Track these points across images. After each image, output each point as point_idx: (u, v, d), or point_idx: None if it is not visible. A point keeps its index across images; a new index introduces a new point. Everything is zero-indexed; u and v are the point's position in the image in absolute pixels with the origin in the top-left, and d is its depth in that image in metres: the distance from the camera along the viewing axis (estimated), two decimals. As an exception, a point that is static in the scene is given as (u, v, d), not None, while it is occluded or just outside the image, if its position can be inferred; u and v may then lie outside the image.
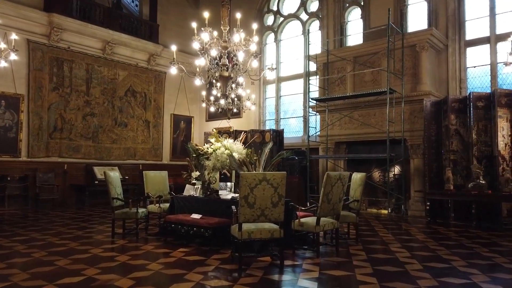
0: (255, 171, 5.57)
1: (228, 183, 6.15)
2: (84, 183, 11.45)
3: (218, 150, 5.79)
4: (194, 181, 6.38)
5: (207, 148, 6.04)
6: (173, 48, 6.13)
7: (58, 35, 11.33)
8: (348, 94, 9.50)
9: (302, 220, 4.87)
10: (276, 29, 13.51)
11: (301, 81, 12.81)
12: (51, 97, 11.25)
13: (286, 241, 4.58)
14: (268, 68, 6.29)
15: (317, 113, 10.89)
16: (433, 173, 8.81)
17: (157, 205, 6.70)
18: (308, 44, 10.29)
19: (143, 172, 7.24)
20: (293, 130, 12.99)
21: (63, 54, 11.53)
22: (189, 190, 6.31)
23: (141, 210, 6.22)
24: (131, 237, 6.12)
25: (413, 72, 9.51)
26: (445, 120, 8.62)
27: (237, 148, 5.91)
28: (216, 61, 5.98)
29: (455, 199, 8.05)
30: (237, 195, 5.78)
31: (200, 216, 5.48)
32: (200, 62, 6.37)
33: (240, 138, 6.21)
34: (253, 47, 6.04)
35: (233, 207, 4.60)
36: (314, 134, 10.61)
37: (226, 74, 6.08)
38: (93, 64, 12.21)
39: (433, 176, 8.79)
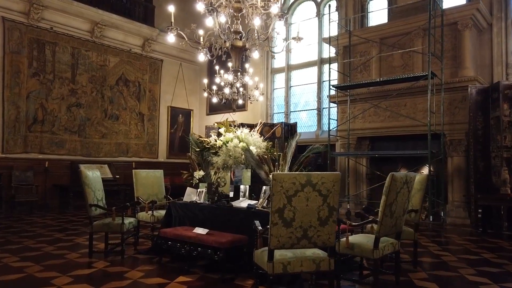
0: (279, 170, 4.16)
1: (242, 186, 4.72)
2: (69, 183, 9.99)
3: (230, 142, 4.36)
4: (197, 182, 4.96)
5: (215, 141, 4.61)
6: (171, 9, 4.66)
7: (39, 13, 9.86)
8: (378, 80, 8.06)
9: (352, 240, 3.45)
10: (286, 12, 12.06)
11: (314, 70, 11.39)
12: (30, 84, 9.78)
13: (335, 273, 3.15)
14: (293, 38, 4.85)
15: (337, 104, 9.45)
16: (479, 173, 7.42)
17: (150, 213, 5.28)
18: (330, 21, 8.84)
19: (133, 171, 5.80)
20: (304, 125, 11.56)
21: (44, 35, 10.06)
22: (191, 195, 4.88)
23: (128, 220, 4.79)
24: (115, 255, 4.69)
25: (452, 55, 8.10)
26: (496, 110, 7.23)
27: (255, 140, 4.49)
28: (228, 25, 4.53)
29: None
30: (254, 202, 4.37)
31: (207, 231, 4.05)
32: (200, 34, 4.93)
33: (257, 128, 4.78)
34: (275, 9, 4.61)
35: (257, 222, 3.18)
36: (334, 129, 9.16)
37: (239, 44, 4.64)
38: (79, 48, 10.75)
39: (479, 177, 7.40)
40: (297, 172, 2.72)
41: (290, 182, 2.69)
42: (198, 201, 4.71)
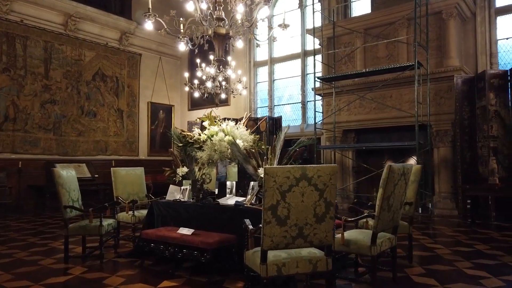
0: (268, 165, 3.92)
1: (228, 182, 4.47)
2: (44, 184, 9.52)
3: (215, 136, 4.09)
4: (180, 179, 4.69)
5: (199, 135, 4.34)
6: (148, -7, 4.33)
7: (8, 5, 9.31)
8: (364, 71, 7.90)
9: (348, 236, 3.25)
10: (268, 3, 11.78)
11: (297, 62, 11.18)
12: (0, 80, 9.24)
13: (333, 272, 2.94)
14: (280, 25, 4.61)
15: (322, 96, 9.27)
16: (466, 164, 7.37)
17: (130, 213, 4.98)
18: (313, 11, 8.62)
19: (111, 169, 5.48)
20: (289, 119, 11.36)
21: (14, 28, 9.51)
22: (174, 193, 4.60)
23: (107, 221, 4.48)
24: (93, 260, 4.38)
25: (437, 44, 8.02)
26: (482, 99, 7.17)
27: (241, 134, 4.24)
28: (210, 11, 4.25)
29: (505, 195, 6.58)
30: (242, 199, 4.13)
31: (192, 231, 3.79)
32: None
33: (243, 121, 4.53)
34: (260, -5, 4.36)
35: (247, 221, 2.94)
36: (320, 122, 8.98)
37: (222, 31, 4.36)
38: (52, 41, 10.23)
39: (466, 168, 7.35)
40: (291, 166, 2.48)
41: (283, 176, 2.45)
42: (182, 199, 4.43)
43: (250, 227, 2.80)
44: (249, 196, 4.11)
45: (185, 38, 4.82)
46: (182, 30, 4.55)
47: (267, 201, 2.47)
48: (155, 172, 10.43)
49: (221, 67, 9.02)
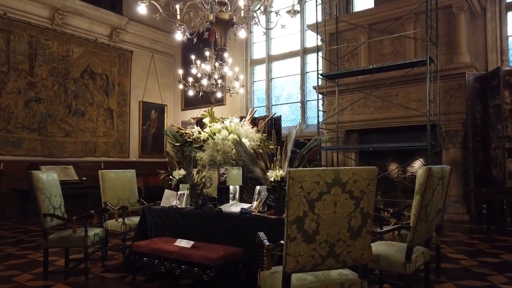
0: (278, 167, 3.44)
1: (231, 187, 3.96)
2: (28, 187, 8.89)
3: (217, 134, 3.59)
4: (176, 182, 4.18)
5: (199, 133, 3.83)
6: (141, -27, 3.82)
7: (-11, -4, 8.72)
8: (370, 67, 7.45)
9: (376, 250, 2.77)
10: (265, -1, 11.34)
11: (296, 60, 10.72)
12: (-20, 76, 8.64)
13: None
14: (288, 12, 4.13)
15: (325, 95, 8.82)
16: (479, 166, 6.96)
17: (120, 220, 4.45)
18: (316, 5, 8.16)
19: (99, 172, 4.94)
20: (287, 119, 10.89)
21: (-4, 21, 8.92)
22: (170, 199, 4.09)
23: (94, 231, 3.95)
24: (77, 276, 3.84)
25: (447, 40, 7.62)
26: (496, 98, 6.78)
27: (246, 132, 3.75)
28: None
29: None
30: (248, 206, 3.63)
31: (192, 243, 3.28)
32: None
33: (248, 118, 4.04)
34: (267, -24, 3.88)
35: (261, 234, 2.43)
36: (323, 121, 8.51)
37: (225, 16, 3.87)
38: (38, 36, 9.63)
39: (479, 170, 6.94)
40: (321, 168, 2.00)
41: (312, 181, 1.96)
42: (179, 206, 3.92)
43: (266, 242, 2.30)
44: (255, 203, 3.62)
45: (182, 26, 4.31)
46: (179, 16, 4.05)
47: (292, 213, 1.98)
48: (146, 175, 9.90)
49: (217, 64, 8.55)
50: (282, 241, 2.10)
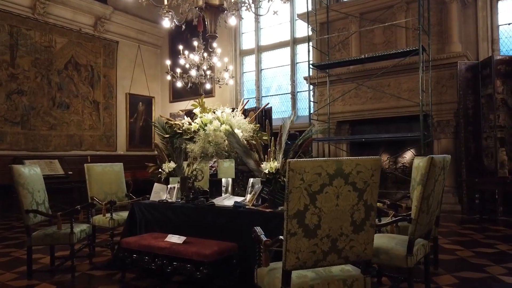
0: (272, 158, 3.32)
1: (223, 180, 3.82)
2: (12, 182, 8.61)
3: (209, 125, 3.44)
4: (166, 176, 4.02)
5: (189, 124, 3.67)
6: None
7: (-34, -17, 8.34)
8: (362, 57, 7.34)
9: (376, 243, 2.67)
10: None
11: (286, 51, 10.56)
12: (-42, 68, 8.30)
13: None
14: (281, -2, 3.98)
15: (316, 86, 8.70)
16: (471, 156, 6.95)
17: (108, 215, 4.28)
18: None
19: (85, 165, 4.75)
20: (278, 110, 10.74)
21: (-26, 10, 8.55)
22: (160, 193, 3.93)
23: (80, 227, 3.78)
24: (63, 274, 3.68)
25: (438, 30, 7.54)
26: (487, 87, 6.74)
27: (239, 122, 3.61)
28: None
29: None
30: (241, 199, 3.51)
31: (183, 238, 3.14)
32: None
33: (240, 108, 3.89)
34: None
35: (258, 229, 2.30)
36: (314, 112, 8.40)
37: (215, 1, 3.70)
38: (19, 26, 9.28)
39: (471, 160, 6.93)
40: (323, 158, 1.87)
41: (314, 173, 1.84)
42: (170, 200, 3.77)
43: (263, 237, 2.17)
44: (249, 196, 3.50)
45: (170, 13, 4.12)
46: (166, 1, 3.86)
47: (292, 206, 1.85)
48: (134, 168, 9.70)
49: (205, 54, 8.35)
50: (281, 237, 1.98)
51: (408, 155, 8.34)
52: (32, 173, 3.74)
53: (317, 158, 1.90)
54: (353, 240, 1.99)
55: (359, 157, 1.94)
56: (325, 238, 1.93)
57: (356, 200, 1.95)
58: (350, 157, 1.94)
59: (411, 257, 2.54)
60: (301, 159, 1.87)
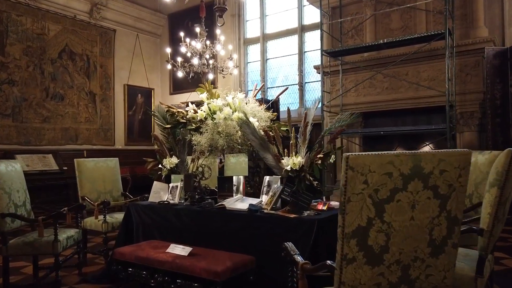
0: (294, 153, 2.75)
1: (234, 178, 3.26)
2: None
3: (218, 113, 2.87)
4: (167, 173, 3.46)
5: (194, 112, 3.10)
6: None
7: (-50, -36, 7.73)
8: (381, 42, 6.75)
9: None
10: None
11: (294, 39, 9.96)
12: None
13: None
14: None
15: (329, 74, 8.11)
16: (498, 150, 6.37)
17: (101, 218, 3.73)
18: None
19: (75, 160, 4.19)
20: (284, 102, 10.14)
21: (-40, -7, 7.94)
22: (160, 193, 3.37)
23: (66, 233, 3.22)
24: (47, 288, 3.13)
25: (462, 13, 6.94)
26: (518, 76, 6.17)
27: (253, 110, 3.04)
28: None
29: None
30: (257, 201, 2.94)
31: (189, 250, 2.59)
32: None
33: (254, 92, 3.32)
34: None
35: (289, 245, 1.74)
36: (326, 104, 7.83)
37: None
38: (9, 12, 8.67)
39: (498, 155, 6.36)
40: (394, 152, 1.30)
41: (382, 172, 1.28)
42: (171, 201, 3.21)
43: (300, 258, 1.61)
44: (265, 197, 2.94)
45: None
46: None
47: (351, 221, 1.29)
48: (133, 164, 9.16)
49: (208, 42, 7.76)
50: (329, 262, 1.42)
51: (427, 149, 7.77)
52: (9, 169, 3.18)
53: (383, 152, 1.33)
54: (430, 267, 1.43)
55: (442, 151, 1.37)
56: (394, 265, 1.37)
57: (437, 212, 1.38)
58: (430, 151, 1.38)
59: (482, 279, 1.99)
60: (365, 153, 1.30)
